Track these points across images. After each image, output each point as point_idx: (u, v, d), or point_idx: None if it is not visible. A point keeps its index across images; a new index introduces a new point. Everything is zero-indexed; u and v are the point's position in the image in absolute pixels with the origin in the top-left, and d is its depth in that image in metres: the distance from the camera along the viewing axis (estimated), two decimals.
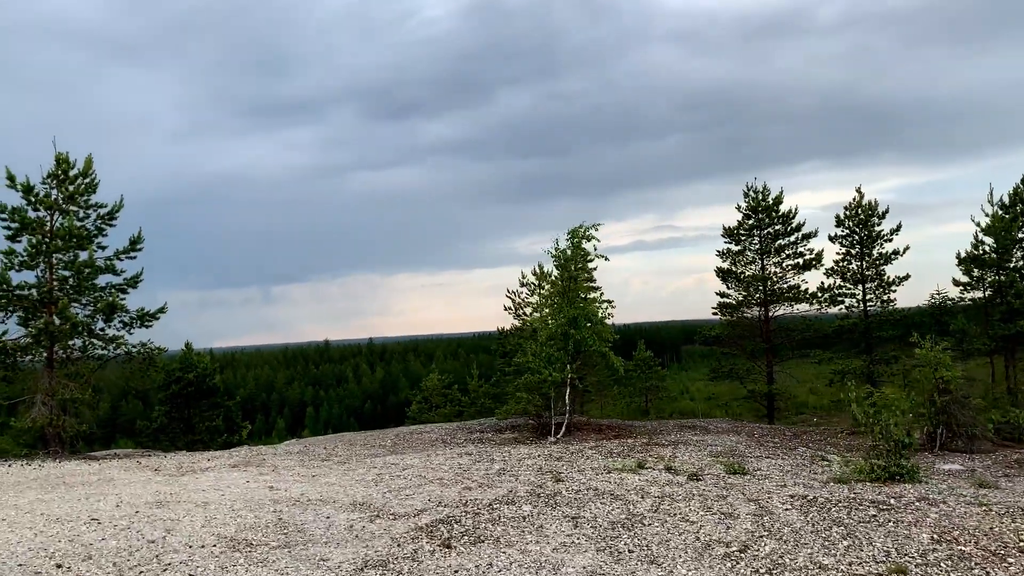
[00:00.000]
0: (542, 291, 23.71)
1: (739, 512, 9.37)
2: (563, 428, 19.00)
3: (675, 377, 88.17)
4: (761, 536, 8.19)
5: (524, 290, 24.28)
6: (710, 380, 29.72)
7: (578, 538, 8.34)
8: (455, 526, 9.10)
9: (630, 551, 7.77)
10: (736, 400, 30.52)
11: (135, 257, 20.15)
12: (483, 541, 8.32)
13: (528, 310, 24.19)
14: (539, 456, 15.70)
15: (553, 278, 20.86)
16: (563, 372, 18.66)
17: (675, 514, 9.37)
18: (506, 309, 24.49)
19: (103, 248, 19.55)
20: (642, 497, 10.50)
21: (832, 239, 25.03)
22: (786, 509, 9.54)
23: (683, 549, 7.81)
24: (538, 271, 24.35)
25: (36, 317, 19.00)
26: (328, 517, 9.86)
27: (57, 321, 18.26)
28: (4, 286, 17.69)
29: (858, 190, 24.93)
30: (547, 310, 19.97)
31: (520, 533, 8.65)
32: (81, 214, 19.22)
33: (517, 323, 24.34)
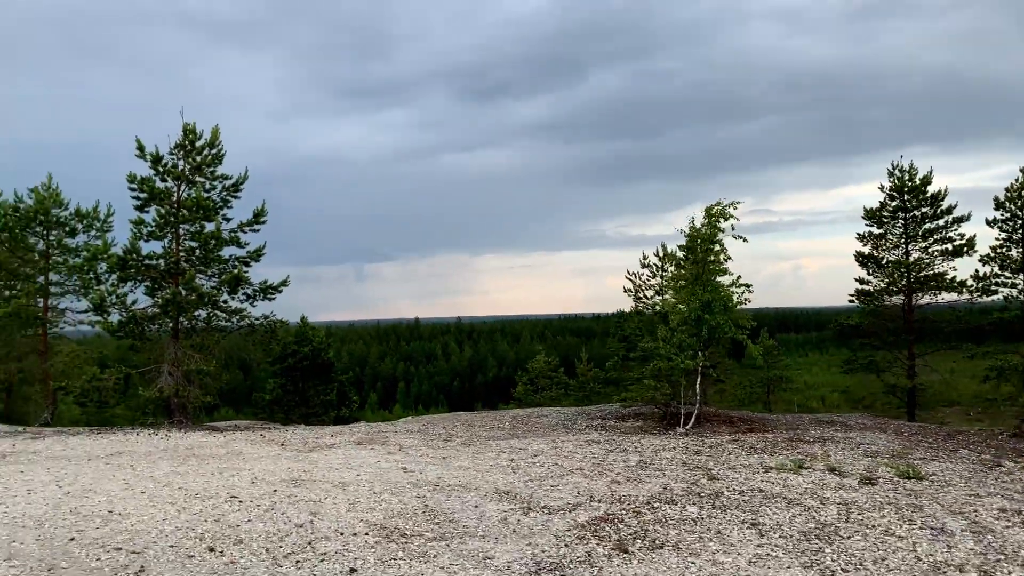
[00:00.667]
0: (667, 273, 22.57)
1: (950, 527, 8.17)
2: (692, 419, 17.90)
3: None
4: (998, 560, 7.00)
5: (646, 272, 23.15)
6: (844, 372, 27.82)
7: (771, 549, 7.34)
8: (621, 526, 8.24)
9: (843, 570, 6.73)
10: (871, 394, 28.59)
11: (258, 230, 20.08)
12: (662, 547, 7.43)
13: (650, 293, 23.08)
14: (675, 449, 14.69)
15: (679, 259, 19.70)
16: (695, 360, 17.55)
17: (872, 525, 8.24)
18: (626, 291, 23.42)
19: (228, 220, 19.52)
20: (821, 503, 9.38)
21: (990, 223, 22.80)
22: (1006, 526, 8.26)
23: (907, 571, 6.71)
24: (661, 252, 23.20)
25: (162, 287, 19.16)
26: (476, 507, 9.17)
27: (183, 292, 18.32)
28: (134, 255, 17.82)
29: (1023, 170, 22.60)
30: (678, 294, 18.81)
31: (699, 540, 7.71)
32: (207, 185, 19.22)
33: (637, 306, 23.20)
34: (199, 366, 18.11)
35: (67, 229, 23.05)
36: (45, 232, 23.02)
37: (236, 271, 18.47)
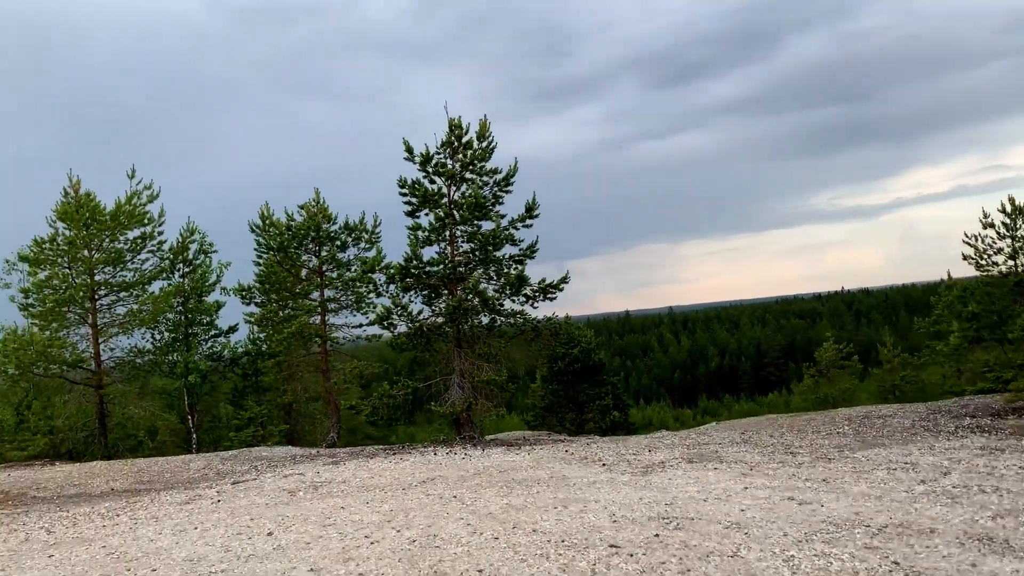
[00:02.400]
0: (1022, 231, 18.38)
1: None
2: None
3: None
4: None
5: (990, 233, 19.01)
6: None
7: None
8: None
9: None
10: None
11: (531, 225, 18.58)
12: None
13: (999, 259, 18.91)
14: None
15: None
16: None
17: None
18: (965, 258, 19.40)
19: (501, 217, 18.17)
20: None
21: None
22: None
23: None
24: (1009, 207, 18.99)
25: (440, 295, 18.18)
26: (974, 566, 6.54)
27: (468, 297, 17.17)
28: (415, 263, 16.90)
29: None
30: None
31: None
32: (478, 181, 17.99)
33: (984, 276, 19.12)
34: (489, 376, 16.86)
35: (338, 243, 23.10)
36: (317, 248, 23.24)
37: (520, 270, 17.04)
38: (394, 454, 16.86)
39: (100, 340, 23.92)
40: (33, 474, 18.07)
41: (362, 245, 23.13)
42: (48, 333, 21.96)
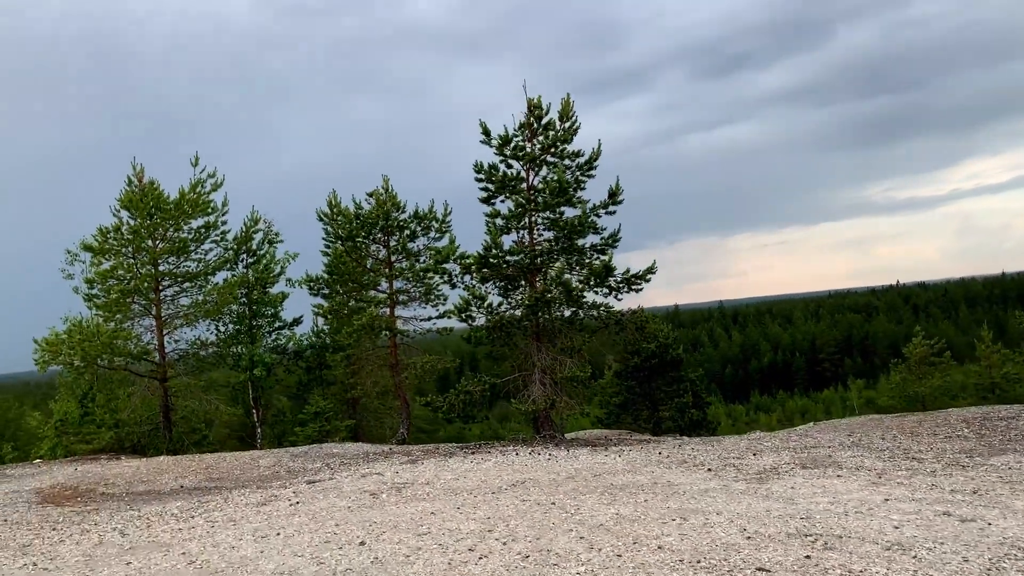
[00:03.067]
0: None
1: None
2: None
3: None
4: None
5: None
6: None
7: None
8: None
9: None
10: None
11: (614, 212, 17.59)
12: None
13: None
14: None
15: None
16: None
17: None
18: None
19: (583, 202, 17.21)
20: None
21: None
22: None
23: None
24: None
25: (516, 286, 17.32)
26: None
27: (551, 288, 16.28)
28: (495, 251, 16.06)
29: None
30: None
31: None
32: (560, 165, 17.05)
33: None
34: (572, 372, 15.95)
35: (407, 232, 22.40)
36: (386, 237, 22.58)
37: (607, 259, 16.05)
38: (472, 453, 16.08)
39: (164, 332, 23.65)
40: (100, 469, 17.74)
41: (432, 234, 22.41)
42: (113, 324, 21.70)
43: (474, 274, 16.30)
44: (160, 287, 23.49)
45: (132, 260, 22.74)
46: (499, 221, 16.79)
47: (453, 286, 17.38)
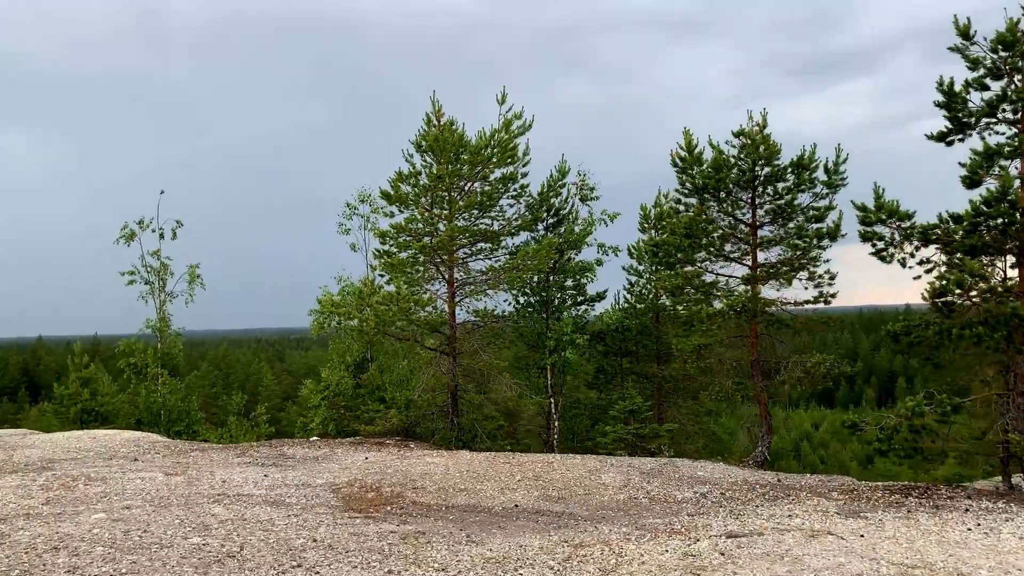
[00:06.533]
0: None
1: None
2: None
3: None
4: None
5: None
6: None
7: None
8: None
9: None
10: None
11: None
12: None
13: None
14: None
15: None
16: None
17: None
18: None
19: None
20: None
21: None
22: None
23: None
24: None
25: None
26: None
27: None
28: (1007, 207, 10.90)
29: None
30: None
31: None
32: None
33: None
34: None
35: (784, 186, 17.53)
36: (753, 192, 17.81)
37: None
38: (937, 509, 11.13)
39: (456, 300, 20.74)
40: (397, 462, 14.86)
41: (818, 189, 17.30)
42: (404, 288, 18.97)
43: (958, 241, 11.31)
44: (454, 247, 20.55)
45: (429, 212, 19.95)
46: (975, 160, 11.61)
47: (883, 259, 12.48)
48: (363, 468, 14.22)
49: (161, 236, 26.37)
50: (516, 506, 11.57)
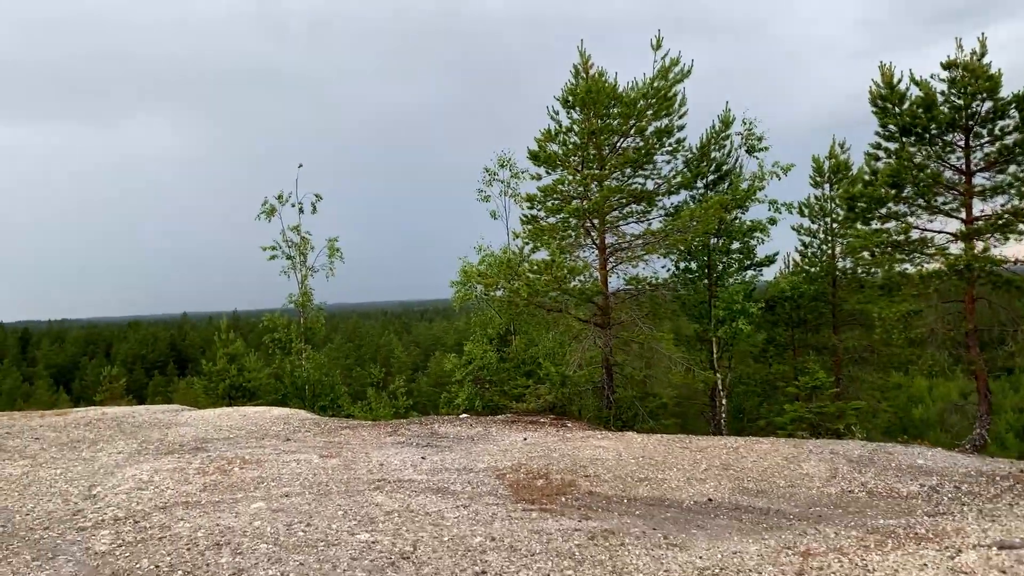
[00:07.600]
0: None
1: None
2: None
3: None
4: None
5: None
6: None
7: None
8: None
9: None
10: None
11: None
12: None
13: None
14: None
15: None
16: None
17: None
18: None
19: None
20: None
21: None
22: None
23: None
24: None
25: None
26: None
27: None
28: None
29: None
30: None
31: None
32: None
33: None
34: None
35: (1006, 128, 15.17)
36: (966, 134, 15.47)
37: None
38: None
39: (608, 267, 19.31)
40: (560, 445, 13.69)
41: None
42: (558, 254, 17.71)
43: None
44: (606, 209, 19.09)
45: (580, 172, 18.55)
46: None
47: None
48: (524, 451, 13.12)
49: (301, 210, 26.27)
50: (709, 500, 10.15)
